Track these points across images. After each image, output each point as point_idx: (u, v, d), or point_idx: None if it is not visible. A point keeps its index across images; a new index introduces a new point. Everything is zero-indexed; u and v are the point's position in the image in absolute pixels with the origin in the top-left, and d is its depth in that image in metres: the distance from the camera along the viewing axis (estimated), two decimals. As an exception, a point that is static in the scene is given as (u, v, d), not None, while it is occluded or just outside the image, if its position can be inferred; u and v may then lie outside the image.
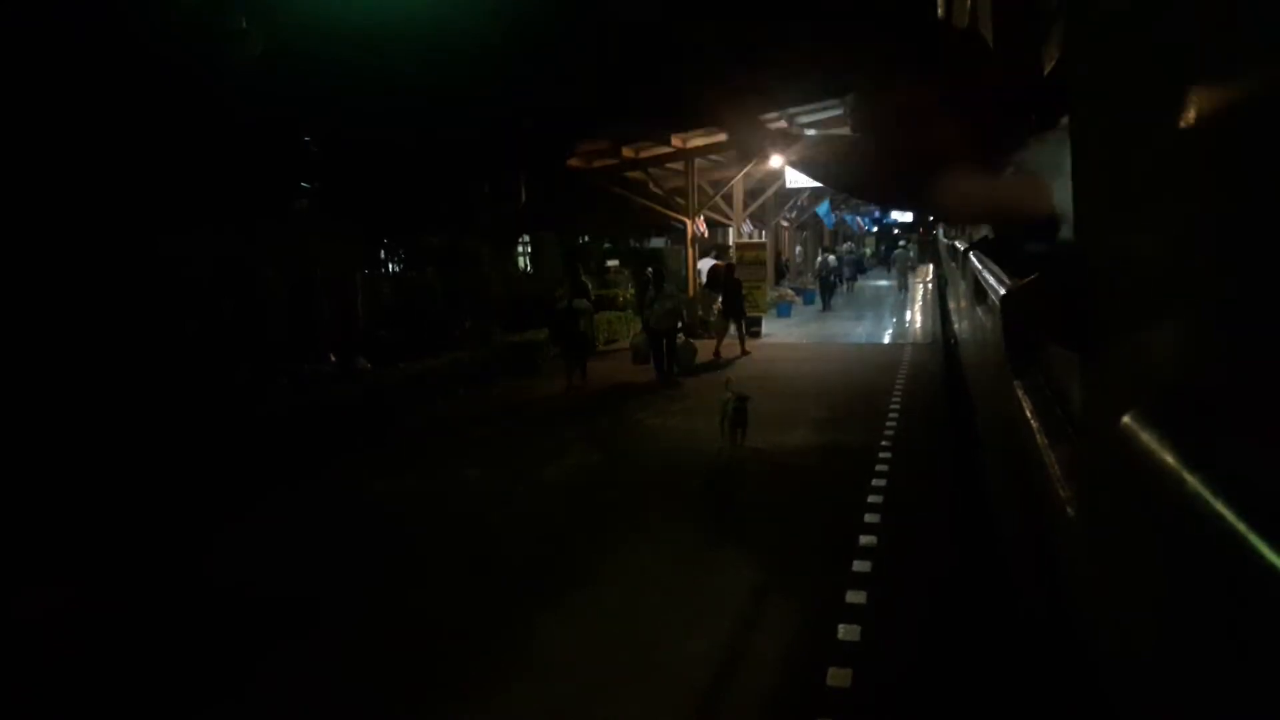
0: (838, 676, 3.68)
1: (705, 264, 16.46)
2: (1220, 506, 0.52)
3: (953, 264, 9.09)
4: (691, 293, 17.18)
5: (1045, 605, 1.54)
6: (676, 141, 16.11)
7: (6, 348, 7.40)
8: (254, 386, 9.26)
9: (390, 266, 19.14)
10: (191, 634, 4.44)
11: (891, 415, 8.84)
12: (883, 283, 31.52)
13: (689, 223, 17.34)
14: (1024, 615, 1.91)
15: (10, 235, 7.75)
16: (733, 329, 14.36)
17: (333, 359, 11.58)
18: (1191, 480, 0.56)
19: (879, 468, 6.84)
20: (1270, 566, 0.45)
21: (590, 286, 13.17)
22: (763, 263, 17.96)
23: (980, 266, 2.72)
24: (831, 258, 23.67)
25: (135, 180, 8.95)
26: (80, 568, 5.41)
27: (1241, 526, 0.49)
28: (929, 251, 37.23)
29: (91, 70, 8.13)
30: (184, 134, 9.28)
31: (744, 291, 17.06)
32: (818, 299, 22.15)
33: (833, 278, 22.71)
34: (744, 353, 13.99)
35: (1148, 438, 0.67)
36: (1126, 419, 0.73)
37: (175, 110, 8.96)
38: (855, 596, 4.45)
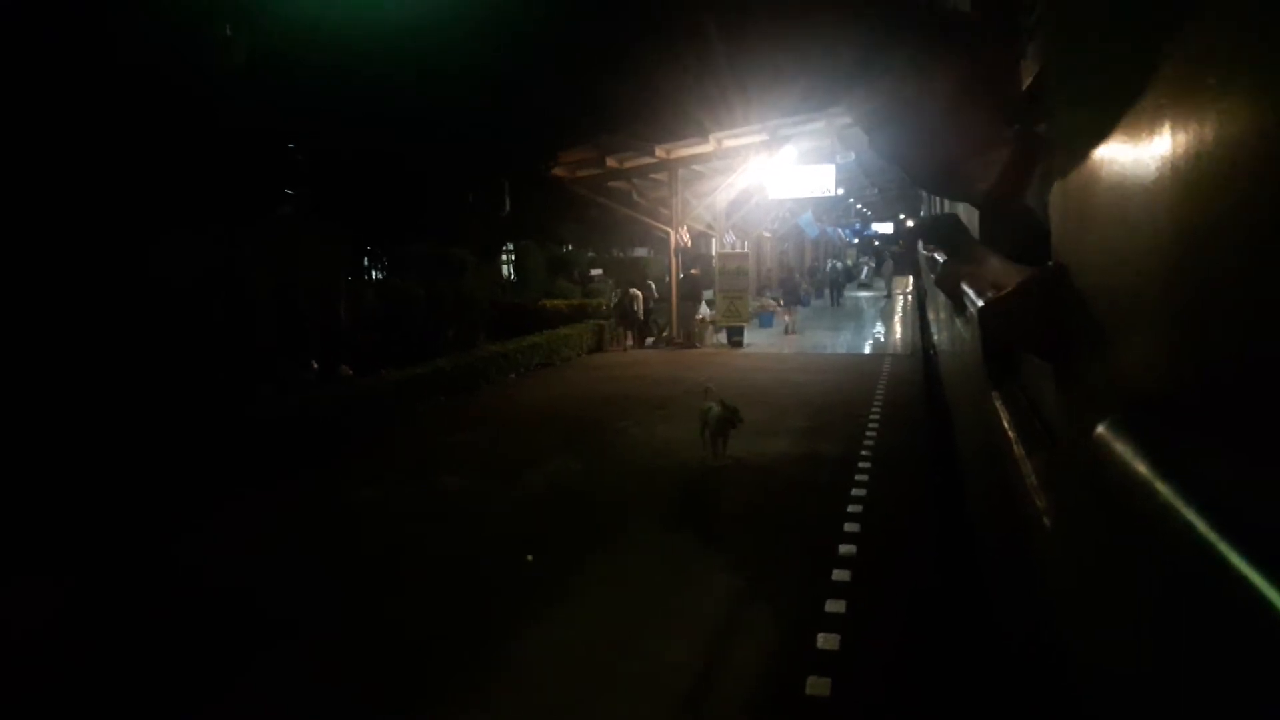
0: (817, 685, 3.69)
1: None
2: (1190, 515, 0.53)
3: (933, 276, 9.15)
4: (674, 303, 17.27)
5: (1022, 614, 1.56)
6: (660, 152, 16.15)
7: None
8: (234, 392, 9.18)
9: (375, 274, 19.06)
10: (163, 637, 4.38)
11: (871, 425, 8.89)
12: (861, 294, 32.55)
13: (672, 233, 17.38)
14: (1001, 624, 1.92)
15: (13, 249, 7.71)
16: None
17: (315, 365, 11.51)
18: (1162, 489, 0.58)
19: (858, 477, 6.87)
20: (1238, 573, 0.47)
21: (654, 287, 18.82)
22: (745, 273, 18.01)
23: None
24: (840, 264, 33.55)
25: (121, 188, 8.87)
26: (52, 567, 5.34)
27: (1210, 534, 0.50)
28: (908, 263, 37.84)
29: (79, 79, 8.07)
30: (169, 141, 9.22)
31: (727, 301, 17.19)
32: (825, 296, 28.28)
33: (841, 280, 29.67)
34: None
35: (1120, 448, 0.68)
36: (1099, 429, 0.74)
37: (161, 118, 8.91)
38: (834, 605, 4.46)
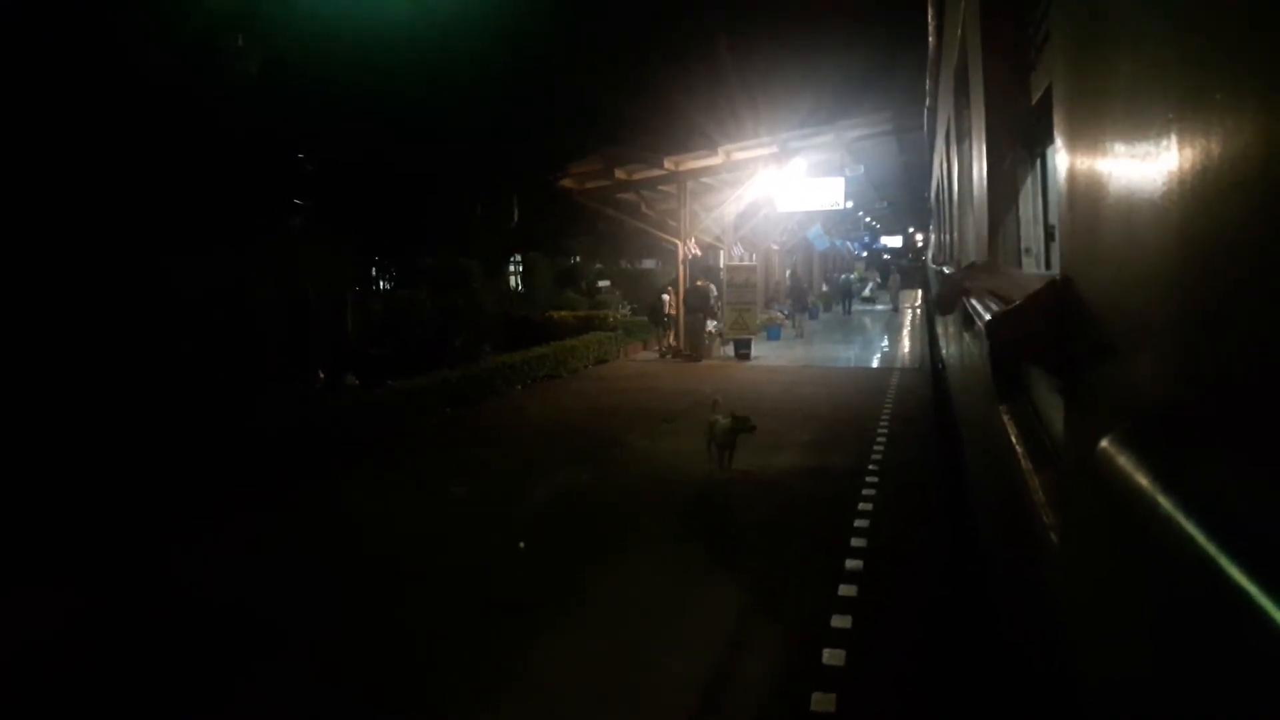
0: (822, 701, 3.66)
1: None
2: (1195, 529, 0.53)
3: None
4: (680, 316, 17.28)
5: (1030, 630, 1.54)
6: (669, 164, 16.19)
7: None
8: (240, 402, 9.21)
9: (382, 285, 19.15)
10: (160, 645, 4.37)
11: (879, 438, 8.86)
12: (868, 308, 32.80)
13: (680, 245, 17.41)
14: (1009, 640, 1.91)
15: (16, 253, 7.76)
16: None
17: (321, 375, 11.54)
18: (1166, 503, 0.57)
19: (865, 491, 6.84)
20: (1245, 589, 0.46)
21: (676, 294, 18.30)
22: (753, 285, 18.04)
23: (967, 292, 2.74)
24: (854, 276, 36.65)
25: (131, 198, 8.94)
26: (55, 573, 5.35)
27: (1216, 549, 0.50)
28: (918, 276, 37.81)
29: (93, 92, 8.15)
30: (180, 152, 9.28)
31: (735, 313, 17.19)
32: (834, 309, 30.21)
33: (851, 290, 32.06)
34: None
35: (1125, 461, 0.68)
36: (1104, 443, 0.73)
37: (173, 129, 8.98)
38: (840, 621, 4.43)
